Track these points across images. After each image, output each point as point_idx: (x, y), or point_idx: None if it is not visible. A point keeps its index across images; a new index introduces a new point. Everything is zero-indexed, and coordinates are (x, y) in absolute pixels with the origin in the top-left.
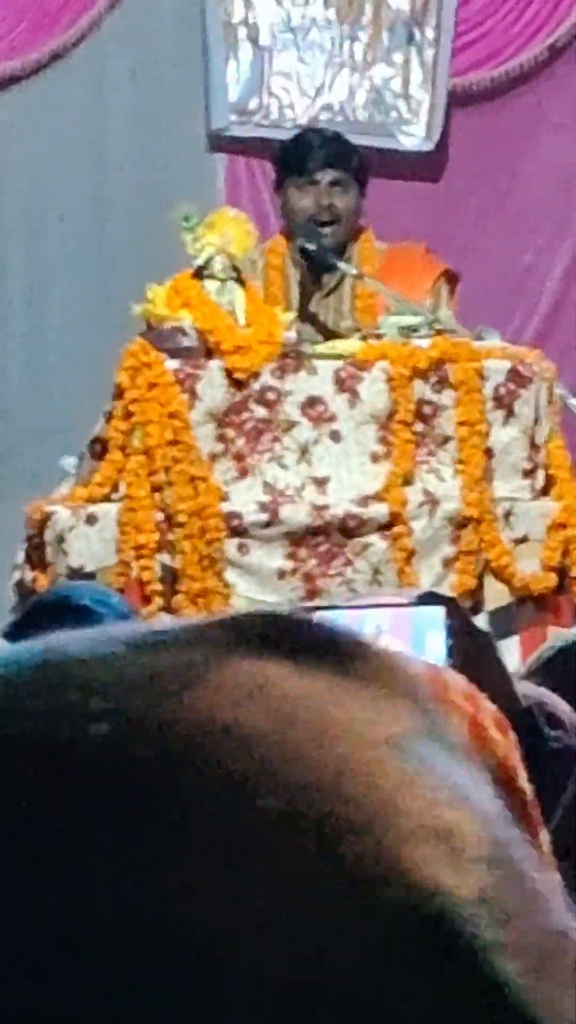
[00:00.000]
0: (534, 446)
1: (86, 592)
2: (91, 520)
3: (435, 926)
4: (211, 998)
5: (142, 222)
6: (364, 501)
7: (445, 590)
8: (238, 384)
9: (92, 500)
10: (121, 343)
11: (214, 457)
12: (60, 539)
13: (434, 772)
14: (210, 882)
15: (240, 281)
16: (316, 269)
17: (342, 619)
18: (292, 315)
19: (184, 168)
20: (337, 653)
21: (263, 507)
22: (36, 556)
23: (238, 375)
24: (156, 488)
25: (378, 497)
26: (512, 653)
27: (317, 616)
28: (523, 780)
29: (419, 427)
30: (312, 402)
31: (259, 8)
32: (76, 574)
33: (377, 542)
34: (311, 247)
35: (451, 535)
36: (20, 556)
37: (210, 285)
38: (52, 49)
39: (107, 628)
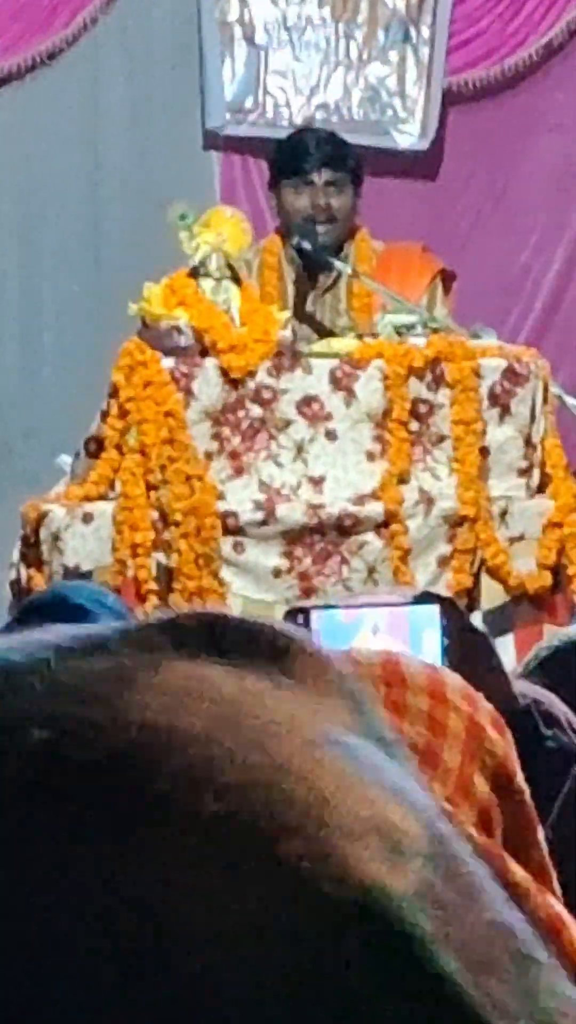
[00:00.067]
0: (530, 445)
1: (82, 592)
2: (87, 519)
3: (374, 921)
4: (152, 1000)
5: (138, 221)
6: (360, 500)
7: (441, 589)
8: (234, 383)
9: (88, 499)
10: (117, 342)
11: (210, 456)
12: (56, 538)
13: (370, 769)
14: (151, 885)
15: (236, 280)
16: (312, 268)
17: (339, 618)
18: (288, 314)
19: (180, 167)
20: (273, 653)
21: (259, 506)
22: (32, 555)
23: (234, 374)
24: (152, 487)
25: (374, 496)
26: (508, 652)
27: (253, 616)
28: (520, 779)
29: (415, 426)
30: (308, 401)
31: (254, 7)
32: (72, 573)
33: (373, 541)
34: (307, 246)
35: (447, 534)
36: (15, 555)
37: (206, 284)
38: (48, 48)
39: (45, 632)
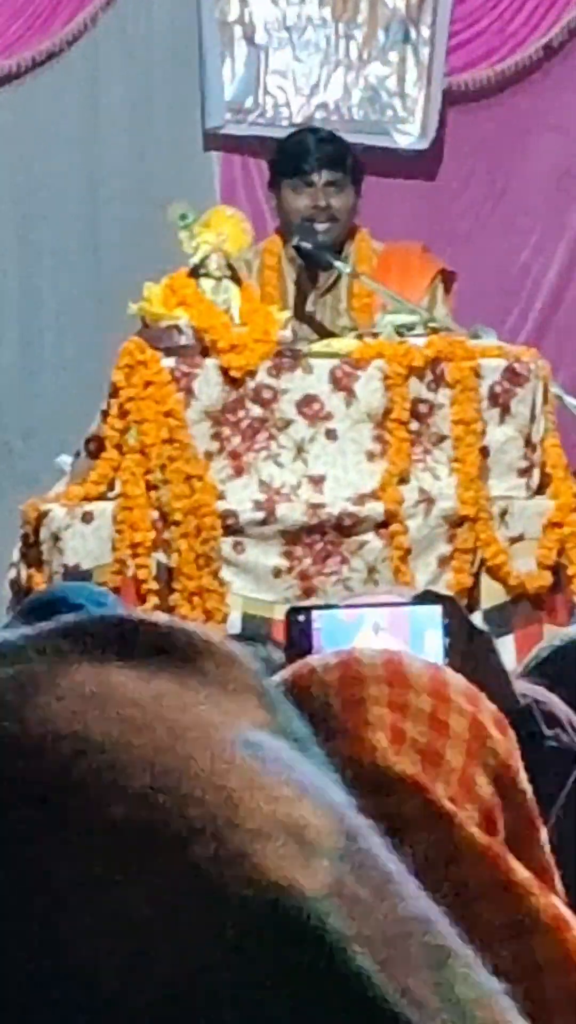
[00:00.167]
0: (530, 445)
1: (81, 592)
2: (87, 518)
3: (286, 921)
4: (64, 1008)
5: (138, 221)
6: (360, 499)
7: (441, 589)
8: (234, 382)
9: (88, 498)
10: (117, 341)
11: (210, 455)
12: (56, 537)
13: (281, 767)
14: (60, 893)
15: (236, 279)
16: (312, 268)
17: (340, 617)
18: (288, 314)
19: (180, 167)
20: (180, 653)
21: (259, 505)
22: (32, 554)
23: (234, 373)
24: (152, 486)
25: (374, 495)
26: (508, 652)
27: (157, 616)
28: (523, 778)
29: (415, 426)
30: (308, 400)
31: (255, 7)
32: (72, 572)
33: (373, 540)
34: (307, 246)
35: (447, 534)
36: (15, 554)
37: (206, 283)
38: (47, 48)
39: None
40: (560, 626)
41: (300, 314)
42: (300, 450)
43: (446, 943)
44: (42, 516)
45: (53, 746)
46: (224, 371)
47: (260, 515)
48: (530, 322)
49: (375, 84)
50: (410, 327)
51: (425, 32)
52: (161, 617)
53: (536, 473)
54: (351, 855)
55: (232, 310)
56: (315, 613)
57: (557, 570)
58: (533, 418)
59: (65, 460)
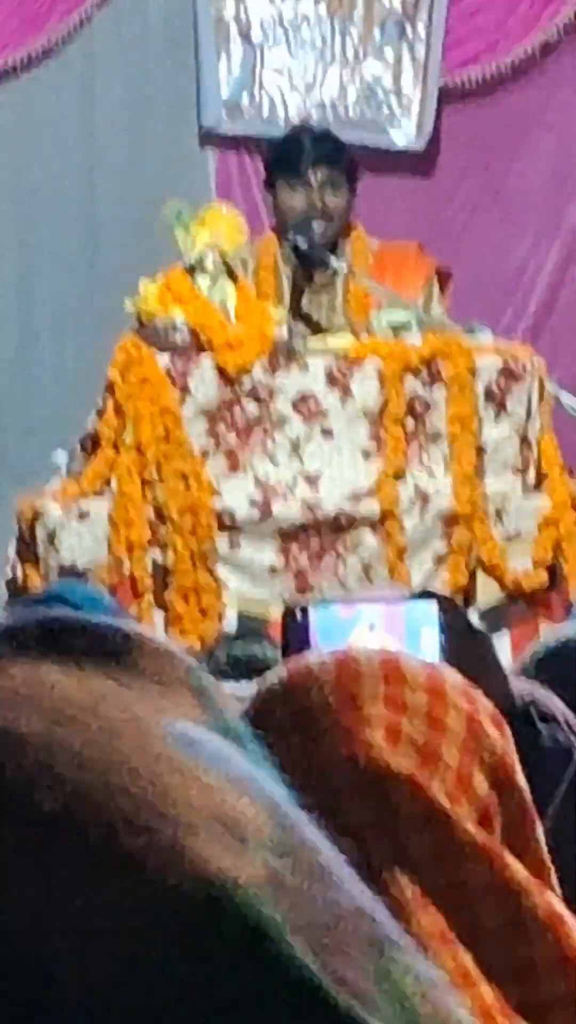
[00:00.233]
0: (525, 442)
1: (76, 591)
2: (82, 516)
3: (221, 911)
4: (5, 996)
5: (134, 219)
6: (356, 497)
7: (436, 587)
8: (230, 380)
9: (83, 496)
10: (113, 339)
11: (205, 453)
12: (51, 535)
13: (215, 761)
14: None
15: (232, 277)
16: (308, 266)
17: (336, 615)
18: (284, 311)
19: (176, 165)
20: (114, 651)
21: (254, 503)
22: (28, 552)
23: (230, 371)
24: (147, 484)
25: (369, 493)
26: (503, 650)
27: (91, 616)
28: (520, 776)
29: (410, 423)
30: (304, 398)
31: (250, 4)
32: (67, 570)
33: (368, 538)
34: (303, 244)
35: (442, 532)
36: (11, 552)
37: (201, 281)
38: (43, 46)
39: None
40: (556, 624)
41: (296, 312)
42: (296, 448)
43: (384, 933)
44: (38, 514)
45: None
46: (220, 369)
47: (256, 513)
48: (526, 320)
49: (371, 82)
50: (406, 325)
51: (421, 30)
52: (98, 618)
53: (532, 471)
54: (286, 847)
55: (228, 308)
56: (311, 611)
57: (553, 568)
58: (529, 416)
59: (61, 458)
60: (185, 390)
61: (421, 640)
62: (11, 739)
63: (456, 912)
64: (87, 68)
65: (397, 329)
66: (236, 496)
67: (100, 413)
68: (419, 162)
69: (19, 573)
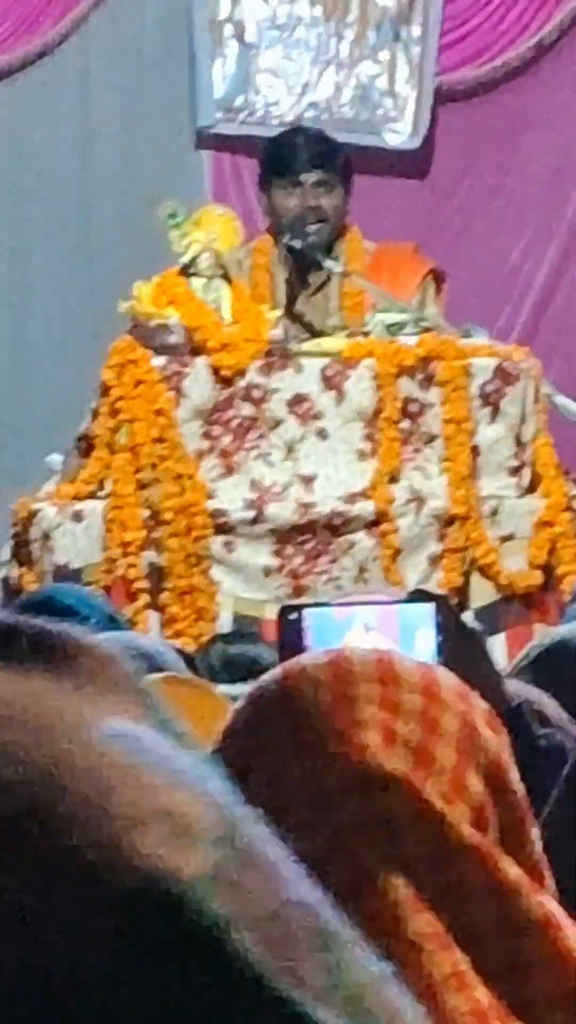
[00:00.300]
0: (520, 444)
1: (70, 593)
2: (77, 517)
3: (166, 908)
4: None
5: (128, 219)
6: (350, 499)
7: (431, 588)
8: (224, 381)
9: (78, 497)
10: (107, 340)
11: (200, 454)
12: (46, 536)
13: (158, 758)
14: None
15: (226, 278)
16: (303, 267)
17: (331, 616)
18: (278, 313)
19: (170, 165)
20: (55, 655)
21: (249, 504)
22: (22, 553)
23: (224, 372)
24: (142, 485)
25: (364, 495)
26: (498, 651)
27: (26, 619)
28: (514, 777)
29: (405, 425)
30: (298, 400)
31: (245, 5)
32: (62, 571)
33: (363, 540)
34: (297, 245)
35: (437, 533)
36: (6, 553)
37: (196, 282)
38: (38, 47)
39: None
40: (550, 625)
41: (291, 313)
42: (290, 449)
43: (331, 928)
44: (33, 515)
45: None
46: (215, 370)
47: (250, 514)
48: (521, 321)
49: (366, 83)
50: (401, 326)
51: (416, 31)
52: (37, 620)
53: (527, 472)
54: (231, 841)
55: (222, 309)
56: (307, 612)
57: (547, 569)
58: (524, 417)
59: (56, 459)
60: (180, 391)
61: (416, 641)
62: None
63: (451, 913)
64: (82, 69)
65: (392, 330)
66: (231, 497)
67: (95, 414)
68: (414, 163)
69: (14, 574)
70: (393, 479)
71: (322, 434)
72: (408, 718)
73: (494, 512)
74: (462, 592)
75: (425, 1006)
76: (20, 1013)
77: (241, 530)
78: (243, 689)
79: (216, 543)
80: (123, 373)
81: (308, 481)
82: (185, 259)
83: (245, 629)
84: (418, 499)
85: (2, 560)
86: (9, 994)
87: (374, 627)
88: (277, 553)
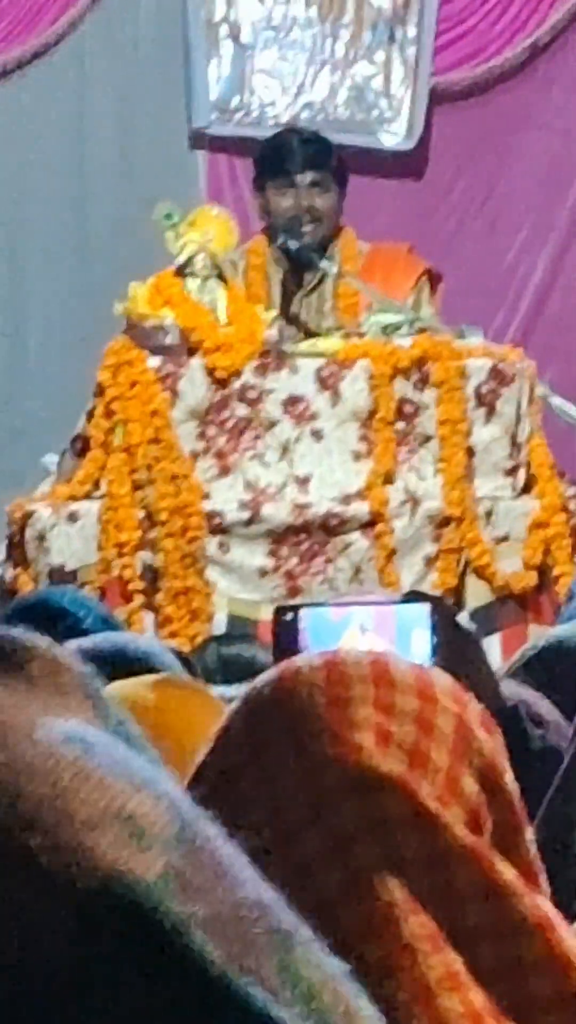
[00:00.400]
0: (515, 445)
1: (65, 595)
2: (72, 518)
3: (125, 909)
4: None
5: (123, 220)
6: (346, 499)
7: (426, 589)
8: (220, 382)
9: (73, 498)
10: (103, 341)
11: (195, 455)
12: (41, 537)
13: (113, 761)
14: None
15: (222, 279)
16: (297, 268)
17: (327, 617)
18: (274, 313)
19: (165, 166)
20: (5, 659)
21: (244, 505)
22: (17, 554)
23: (220, 373)
24: (137, 486)
25: (360, 496)
26: (493, 652)
27: None
28: (509, 779)
29: (400, 426)
30: (294, 400)
31: (240, 6)
32: (57, 572)
33: (358, 540)
34: (292, 246)
35: (432, 534)
36: (0, 554)
37: (191, 283)
38: (33, 47)
39: None
40: (546, 626)
41: (286, 314)
42: (286, 450)
43: (287, 927)
44: (27, 516)
45: None
46: (210, 371)
47: (246, 515)
48: (516, 322)
49: (361, 84)
50: (396, 327)
51: (411, 32)
52: None
53: (522, 473)
54: (187, 843)
55: (218, 310)
56: (302, 612)
57: (542, 570)
58: (519, 418)
59: (51, 460)
60: (175, 392)
61: (412, 642)
62: None
63: (445, 915)
64: (78, 70)
65: (388, 331)
66: (226, 498)
67: (90, 415)
68: (409, 164)
69: (9, 575)
70: (388, 480)
71: (317, 435)
72: (403, 720)
73: (489, 513)
74: (457, 593)
75: (419, 1008)
76: None
77: (236, 531)
78: (238, 690)
79: (211, 544)
80: (118, 374)
81: (303, 482)
82: (180, 260)
83: (240, 630)
84: (413, 500)
85: None
86: None
87: (370, 628)
88: (272, 554)
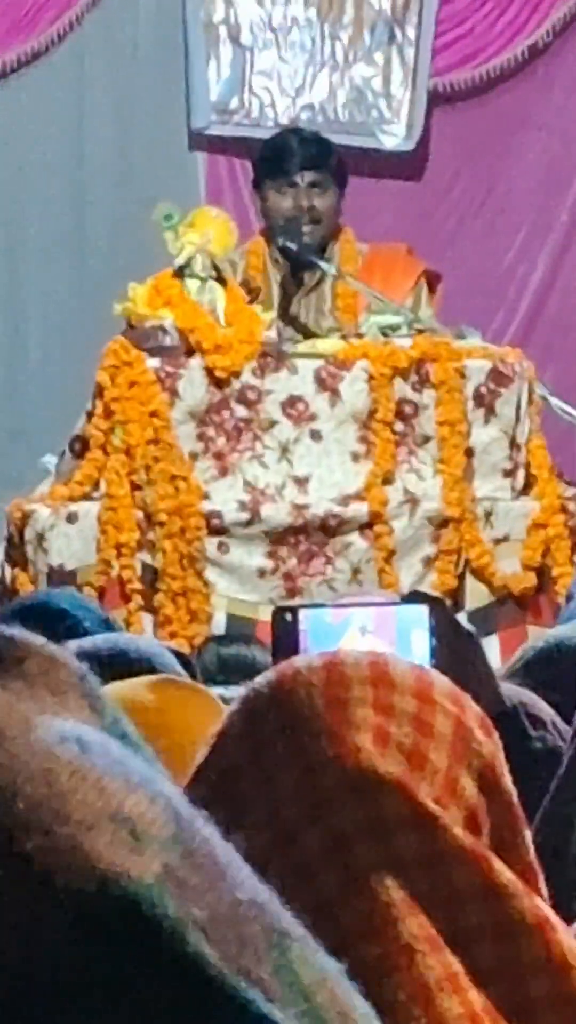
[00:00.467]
0: (515, 446)
1: (63, 597)
2: (71, 519)
3: (122, 910)
4: None
5: (123, 221)
6: (345, 500)
7: (425, 589)
8: (219, 383)
9: (72, 499)
10: (102, 342)
11: (194, 456)
12: (40, 538)
13: (110, 761)
14: None
15: (221, 280)
16: (297, 269)
17: (327, 618)
18: (273, 314)
19: (165, 167)
20: (1, 657)
21: (243, 506)
22: (16, 555)
23: (219, 374)
24: (136, 487)
25: (359, 496)
26: (492, 653)
27: None
28: (508, 780)
29: (400, 426)
30: (293, 401)
31: (240, 7)
32: (56, 572)
33: (357, 541)
34: (291, 247)
35: (431, 534)
36: (0, 555)
37: (191, 284)
38: (33, 48)
39: None
40: (544, 627)
41: (285, 315)
42: (285, 451)
43: (283, 926)
44: (27, 516)
45: None
46: (209, 372)
47: (245, 516)
48: (515, 323)
49: (360, 85)
50: (395, 328)
51: (411, 33)
52: None
53: (521, 474)
54: (183, 843)
55: (217, 311)
56: (302, 613)
57: (542, 571)
58: (518, 419)
59: (50, 460)
60: (174, 393)
61: (412, 643)
62: None
63: (444, 916)
64: (77, 70)
65: (386, 332)
66: (225, 499)
67: (89, 416)
68: (408, 165)
69: (8, 575)
70: (387, 481)
71: (316, 436)
72: (401, 721)
73: (488, 514)
74: (456, 594)
75: (418, 1008)
76: None
77: (235, 531)
78: (237, 691)
79: (210, 544)
80: (117, 374)
81: (302, 483)
82: (180, 261)
83: (239, 631)
84: (412, 501)
85: None
86: None
87: (371, 630)
88: (271, 555)
